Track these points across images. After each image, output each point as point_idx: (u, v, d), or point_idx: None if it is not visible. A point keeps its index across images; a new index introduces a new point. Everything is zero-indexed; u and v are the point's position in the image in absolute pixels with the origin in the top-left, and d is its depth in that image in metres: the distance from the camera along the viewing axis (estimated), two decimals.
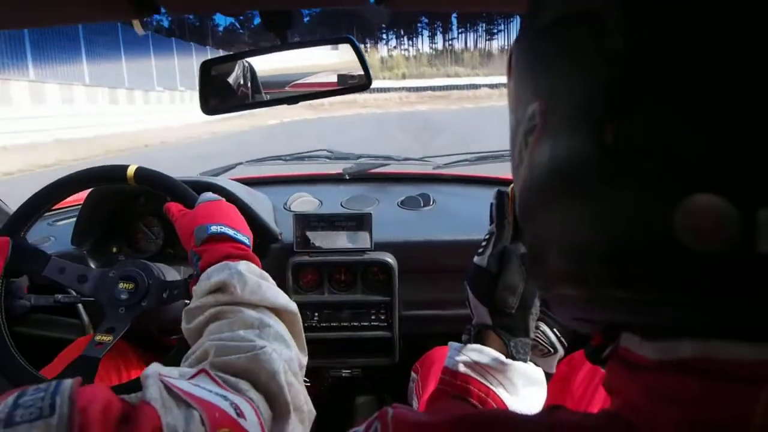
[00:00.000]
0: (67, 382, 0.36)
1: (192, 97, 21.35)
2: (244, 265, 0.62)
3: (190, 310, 0.60)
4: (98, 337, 0.77)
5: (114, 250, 1.08)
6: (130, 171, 0.81)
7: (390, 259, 1.05)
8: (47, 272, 0.79)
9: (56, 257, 0.81)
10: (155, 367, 0.45)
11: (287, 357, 0.53)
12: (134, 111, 17.60)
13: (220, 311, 0.58)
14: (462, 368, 0.52)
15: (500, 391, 0.50)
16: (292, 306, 0.62)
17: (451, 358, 0.54)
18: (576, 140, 0.23)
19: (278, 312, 0.60)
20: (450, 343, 0.56)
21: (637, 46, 0.21)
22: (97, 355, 0.76)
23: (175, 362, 0.70)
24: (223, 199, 0.76)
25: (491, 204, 0.54)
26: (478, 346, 0.52)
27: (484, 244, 0.54)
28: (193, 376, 0.46)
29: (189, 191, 0.79)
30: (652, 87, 0.21)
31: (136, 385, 0.75)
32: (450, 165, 1.41)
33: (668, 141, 0.20)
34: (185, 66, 22.31)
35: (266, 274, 0.65)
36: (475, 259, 0.55)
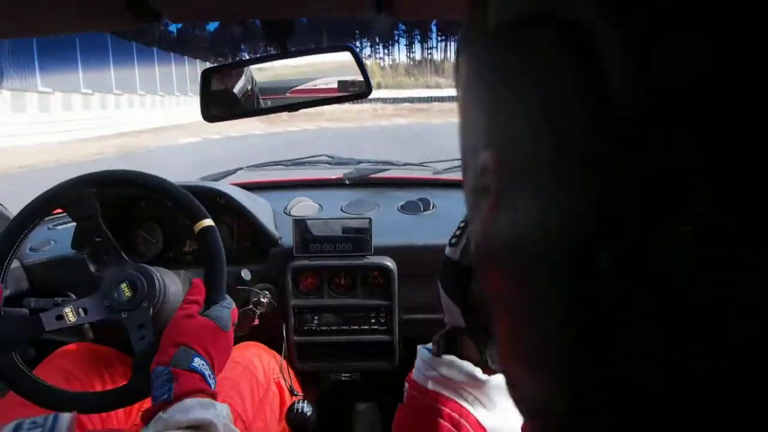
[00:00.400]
0: (64, 423, 0.35)
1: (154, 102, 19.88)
2: (227, 409, 0.60)
3: None
4: (67, 310, 0.77)
5: (113, 254, 1.08)
6: (203, 223, 0.81)
7: (390, 263, 1.05)
8: (48, 326, 0.79)
9: (42, 313, 0.79)
10: None
11: None
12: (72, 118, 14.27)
13: None
14: (431, 385, 0.47)
15: (478, 410, 0.45)
16: None
17: (418, 370, 0.49)
18: (543, 248, 0.15)
19: None
20: (419, 347, 0.51)
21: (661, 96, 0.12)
22: (45, 326, 0.76)
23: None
24: (230, 331, 0.73)
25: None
26: (449, 358, 0.47)
27: (458, 233, 0.47)
28: None
29: (222, 288, 0.78)
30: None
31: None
32: (450, 170, 1.42)
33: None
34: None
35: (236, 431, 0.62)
36: (447, 250, 0.48)
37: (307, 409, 0.92)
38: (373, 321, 1.08)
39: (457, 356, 0.47)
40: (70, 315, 0.77)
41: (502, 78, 0.16)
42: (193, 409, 0.56)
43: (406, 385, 0.84)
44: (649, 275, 0.13)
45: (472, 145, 0.18)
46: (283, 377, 1.01)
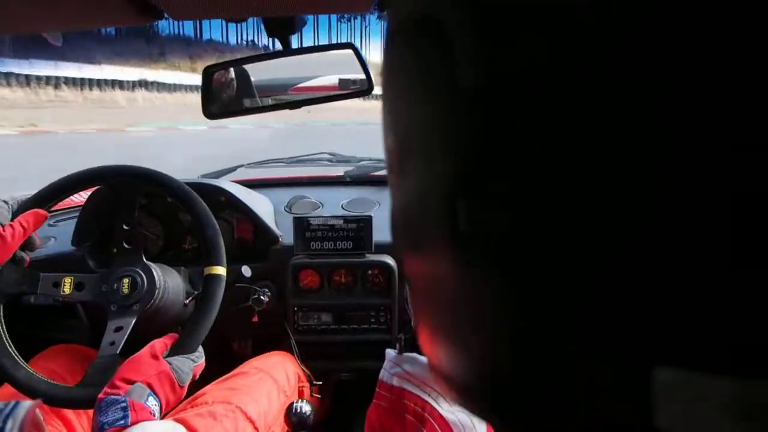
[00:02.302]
0: (23, 408, 0.35)
1: None
2: None
3: None
4: (66, 279, 0.79)
5: (114, 250, 1.09)
6: (214, 270, 0.82)
7: (390, 261, 1.05)
8: (41, 290, 0.80)
9: (45, 274, 0.81)
10: None
11: None
12: None
13: None
14: (396, 381, 0.48)
15: (441, 404, 0.46)
16: None
17: (385, 370, 0.51)
18: (424, 211, 0.17)
19: None
20: (387, 351, 0.53)
21: (495, 84, 0.14)
22: (37, 289, 0.78)
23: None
24: (185, 387, 0.74)
25: None
26: (412, 355, 0.48)
27: None
28: None
29: (200, 338, 0.78)
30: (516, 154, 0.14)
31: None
32: None
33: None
34: None
35: None
36: None
37: (307, 408, 0.92)
38: (373, 320, 1.08)
39: (420, 353, 0.48)
40: (66, 285, 0.79)
41: (393, 69, 0.19)
42: (156, 428, 0.59)
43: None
44: (488, 228, 0.15)
45: (384, 131, 0.21)
46: (309, 384, 1.01)
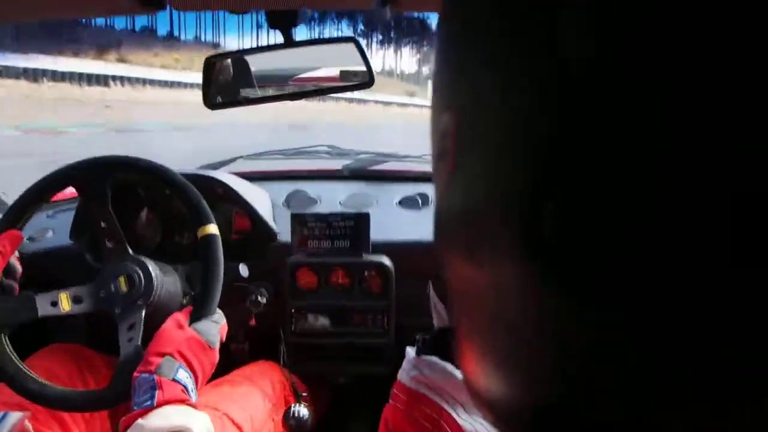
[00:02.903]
0: (10, 422, 0.35)
1: None
2: (206, 418, 0.60)
3: None
4: (62, 295, 0.76)
5: (110, 245, 1.08)
6: (206, 229, 0.80)
7: (387, 262, 1.04)
8: (42, 312, 0.78)
9: (40, 295, 0.78)
10: None
11: None
12: None
13: None
14: (413, 385, 0.47)
15: (459, 413, 0.45)
16: None
17: (404, 371, 0.49)
18: (489, 211, 0.15)
19: None
20: (407, 350, 0.51)
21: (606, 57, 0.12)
22: (39, 311, 0.75)
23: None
24: (216, 348, 0.73)
25: None
26: (433, 359, 0.46)
27: None
28: None
29: (215, 300, 0.77)
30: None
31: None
32: None
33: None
34: None
35: None
36: None
37: (304, 412, 0.92)
38: (370, 323, 1.06)
39: (442, 358, 0.47)
40: (64, 302, 0.77)
41: (460, 34, 0.16)
42: (173, 416, 0.57)
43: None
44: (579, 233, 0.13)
45: (438, 108, 0.18)
46: (294, 392, 1.01)
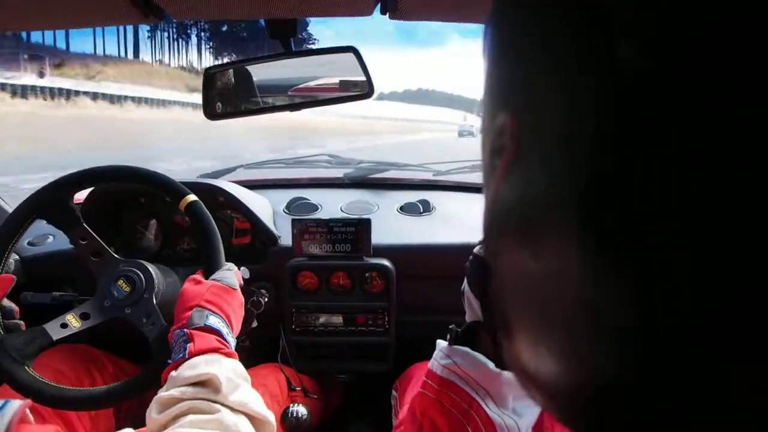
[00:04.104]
0: (11, 410, 0.35)
1: None
2: (234, 363, 0.60)
3: (162, 400, 0.56)
4: (69, 317, 0.77)
5: (112, 249, 1.09)
6: (187, 199, 0.82)
7: (388, 264, 1.05)
8: (72, 235, 0.82)
9: (87, 227, 0.82)
10: None
11: None
12: None
13: (197, 406, 0.54)
14: (445, 373, 0.48)
15: (488, 404, 0.46)
16: (271, 417, 0.59)
17: (435, 360, 0.50)
18: (550, 205, 0.15)
19: (255, 420, 0.57)
20: (438, 341, 0.52)
21: (660, 65, 0.13)
22: (53, 336, 0.76)
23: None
24: (238, 289, 0.74)
25: None
26: (465, 349, 0.48)
27: None
28: None
29: (220, 256, 0.79)
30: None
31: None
32: (450, 172, 1.42)
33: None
34: None
35: (249, 378, 0.62)
36: (476, 248, 0.50)
37: (303, 411, 0.92)
38: (370, 323, 1.07)
39: (473, 349, 0.48)
40: (73, 321, 0.77)
41: (526, 41, 0.17)
42: (200, 365, 0.58)
43: (393, 392, 0.82)
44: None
45: (492, 108, 0.19)
46: (303, 389, 1.01)
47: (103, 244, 0.83)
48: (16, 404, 0.35)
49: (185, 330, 0.63)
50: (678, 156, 0.13)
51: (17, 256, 0.82)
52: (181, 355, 0.61)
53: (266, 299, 1.01)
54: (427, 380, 0.50)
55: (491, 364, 0.46)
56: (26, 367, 0.75)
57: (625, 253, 0.14)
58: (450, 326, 0.50)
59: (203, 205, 0.82)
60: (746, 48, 0.12)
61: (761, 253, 0.12)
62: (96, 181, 0.87)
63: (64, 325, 0.77)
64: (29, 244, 1.07)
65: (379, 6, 0.65)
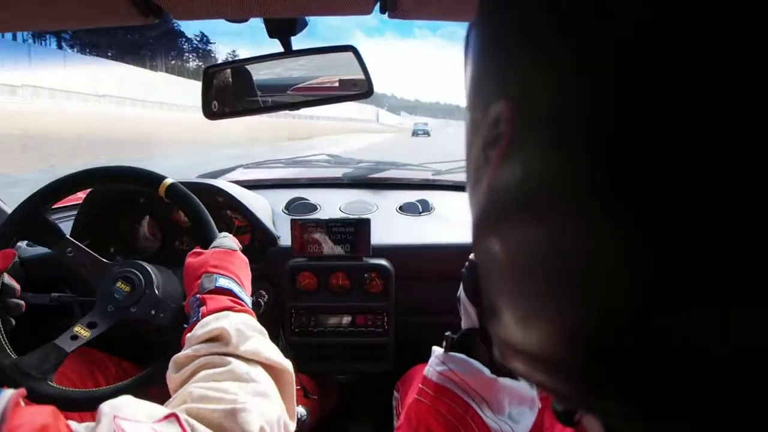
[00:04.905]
0: (6, 396, 0.35)
1: None
2: (244, 317, 0.61)
3: (179, 359, 0.58)
4: (77, 329, 0.77)
5: (111, 250, 1.09)
6: (164, 183, 0.82)
7: (388, 264, 1.05)
8: (57, 249, 0.81)
9: (70, 238, 0.82)
10: (117, 403, 0.43)
11: (269, 418, 0.50)
12: None
13: (210, 361, 0.55)
14: (440, 380, 0.48)
15: (484, 410, 0.46)
16: (287, 365, 0.59)
17: (431, 366, 0.50)
18: (558, 168, 0.16)
19: (272, 369, 0.57)
20: (433, 348, 0.52)
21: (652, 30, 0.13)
22: (66, 349, 0.76)
23: (156, 378, 0.69)
24: (238, 251, 0.75)
25: None
26: (461, 356, 0.48)
27: None
28: (161, 420, 0.44)
29: (212, 227, 0.80)
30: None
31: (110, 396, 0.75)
32: (449, 171, 1.42)
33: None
34: None
35: (264, 331, 0.63)
36: (471, 254, 0.50)
37: (302, 411, 0.92)
38: (370, 323, 1.07)
39: (469, 356, 0.48)
40: (82, 332, 0.77)
41: (522, 32, 0.17)
42: (210, 322, 0.59)
43: (395, 393, 0.82)
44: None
45: (483, 103, 0.19)
46: (302, 389, 1.01)
47: (91, 251, 0.83)
48: (9, 392, 0.35)
49: (198, 296, 0.64)
50: (686, 109, 0.13)
51: (17, 258, 0.82)
52: (194, 318, 0.62)
53: (265, 300, 1.01)
54: (423, 387, 0.50)
55: (487, 371, 0.46)
56: (48, 382, 0.75)
57: (636, 213, 0.14)
58: (446, 333, 0.50)
59: (182, 186, 0.83)
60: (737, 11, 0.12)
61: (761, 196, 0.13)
62: (71, 189, 0.86)
63: (74, 337, 0.77)
64: (28, 244, 1.07)
65: (378, 5, 0.65)
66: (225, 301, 0.64)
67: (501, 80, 0.18)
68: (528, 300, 0.19)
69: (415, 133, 28.27)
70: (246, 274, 0.72)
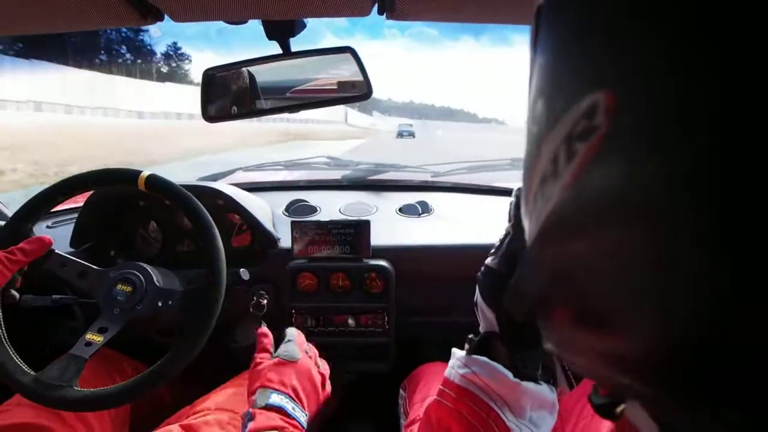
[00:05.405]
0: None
1: None
2: None
3: None
4: (89, 336, 0.77)
5: (112, 253, 1.09)
6: (142, 177, 0.82)
7: (387, 265, 1.05)
8: (49, 265, 0.81)
9: (59, 252, 0.82)
10: None
11: None
12: None
13: None
14: (463, 382, 0.47)
15: (506, 414, 0.45)
16: None
17: (452, 368, 0.50)
18: (665, 171, 0.14)
19: None
20: (453, 350, 0.52)
21: None
22: (84, 356, 0.76)
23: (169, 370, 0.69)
24: (301, 358, 0.73)
25: (510, 202, 0.48)
26: (484, 359, 0.47)
27: (497, 243, 0.49)
28: None
29: (203, 212, 0.81)
30: None
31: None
32: (448, 173, 1.42)
33: None
34: None
35: None
36: (488, 260, 0.50)
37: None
38: (370, 323, 1.07)
39: (489, 359, 0.48)
40: (95, 338, 0.77)
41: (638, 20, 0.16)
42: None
43: (401, 392, 0.81)
44: None
45: (572, 91, 0.18)
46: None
47: (84, 262, 0.83)
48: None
49: (249, 410, 0.63)
50: None
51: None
52: None
53: (266, 301, 1.02)
54: (444, 389, 0.49)
55: (510, 375, 0.46)
56: (75, 387, 0.75)
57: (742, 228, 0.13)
58: (468, 336, 0.50)
59: (160, 176, 0.83)
60: None
61: None
62: (50, 203, 0.86)
63: (88, 344, 0.77)
64: None
65: (376, 6, 0.65)
66: (275, 419, 0.62)
67: (600, 65, 0.17)
68: (624, 299, 0.17)
69: (400, 135, 27.88)
70: (305, 386, 0.70)
